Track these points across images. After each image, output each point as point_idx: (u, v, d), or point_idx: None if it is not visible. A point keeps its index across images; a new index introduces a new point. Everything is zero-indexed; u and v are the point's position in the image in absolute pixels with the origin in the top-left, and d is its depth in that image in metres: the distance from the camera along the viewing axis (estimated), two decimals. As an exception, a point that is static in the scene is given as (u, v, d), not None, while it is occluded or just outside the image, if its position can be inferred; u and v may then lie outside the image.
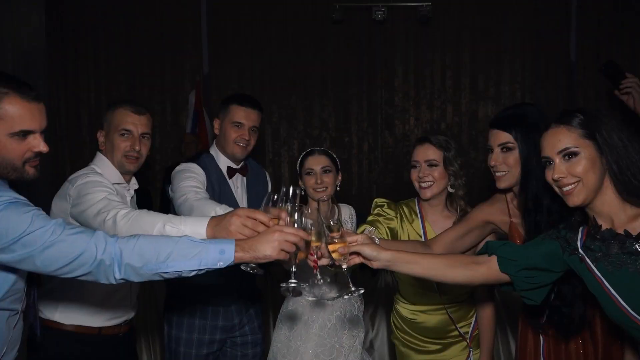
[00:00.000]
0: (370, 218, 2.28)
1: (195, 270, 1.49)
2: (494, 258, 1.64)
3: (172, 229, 1.68)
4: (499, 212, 2.04)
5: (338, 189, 2.45)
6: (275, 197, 1.64)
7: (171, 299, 2.57)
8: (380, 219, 2.26)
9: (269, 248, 1.49)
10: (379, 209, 2.31)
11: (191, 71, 5.86)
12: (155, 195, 5.42)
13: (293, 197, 1.63)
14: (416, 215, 2.29)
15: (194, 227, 1.69)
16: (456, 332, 2.29)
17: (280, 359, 2.42)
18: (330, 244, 1.56)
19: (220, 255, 1.48)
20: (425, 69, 5.84)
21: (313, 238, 1.60)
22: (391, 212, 2.29)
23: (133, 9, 5.80)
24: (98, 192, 1.93)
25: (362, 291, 1.65)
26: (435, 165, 2.19)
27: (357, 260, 1.59)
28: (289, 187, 1.66)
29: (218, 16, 5.81)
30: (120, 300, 2.16)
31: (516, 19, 5.68)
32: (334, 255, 1.56)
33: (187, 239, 1.51)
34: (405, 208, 2.31)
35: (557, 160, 1.49)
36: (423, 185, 2.20)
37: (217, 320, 2.48)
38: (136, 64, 5.83)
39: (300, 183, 2.44)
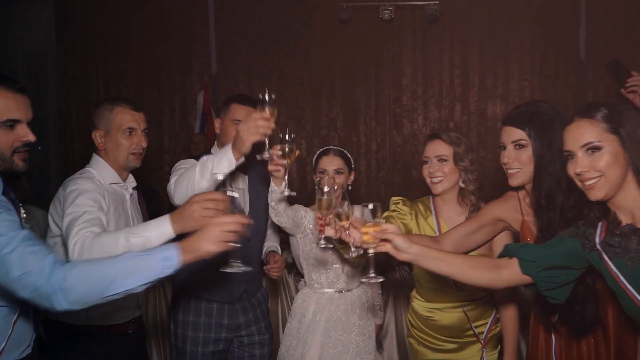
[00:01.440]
0: (385, 214, 2.32)
1: (144, 284, 1.49)
2: (515, 261, 1.62)
3: (137, 238, 1.69)
4: (511, 210, 2.04)
5: (349, 188, 2.49)
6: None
7: (177, 298, 2.59)
8: (394, 214, 2.32)
9: (211, 244, 1.52)
10: (394, 205, 2.37)
11: (200, 72, 5.89)
12: (164, 195, 5.44)
13: (270, 100, 1.89)
14: (430, 211, 2.33)
15: (159, 230, 1.72)
16: (472, 332, 2.29)
17: (291, 351, 2.49)
18: (364, 226, 1.56)
19: (166, 262, 1.49)
20: (433, 67, 5.82)
21: (324, 203, 1.72)
22: (405, 209, 2.34)
23: (142, 11, 5.82)
24: (76, 209, 1.93)
25: (381, 279, 1.65)
26: (445, 161, 2.24)
27: (386, 247, 1.57)
28: (265, 93, 1.90)
29: (226, 17, 5.83)
30: (125, 298, 2.17)
31: (525, 17, 5.64)
32: (365, 237, 1.56)
33: (129, 255, 1.51)
34: (420, 205, 2.36)
35: (580, 154, 1.48)
36: (434, 180, 2.25)
37: (222, 319, 2.50)
38: (145, 65, 5.87)
39: (314, 177, 2.56)
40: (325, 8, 5.67)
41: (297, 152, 2.04)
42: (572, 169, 1.50)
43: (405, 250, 1.57)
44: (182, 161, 2.44)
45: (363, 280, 1.68)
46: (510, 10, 5.65)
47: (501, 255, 1.71)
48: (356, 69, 5.84)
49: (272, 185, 2.22)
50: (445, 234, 2.12)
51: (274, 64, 5.85)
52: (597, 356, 1.84)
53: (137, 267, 1.48)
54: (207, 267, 2.51)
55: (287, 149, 2.02)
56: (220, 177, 1.74)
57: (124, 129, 2.14)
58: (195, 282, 2.50)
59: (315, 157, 2.57)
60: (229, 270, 1.69)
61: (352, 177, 2.51)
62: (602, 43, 5.54)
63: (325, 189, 1.75)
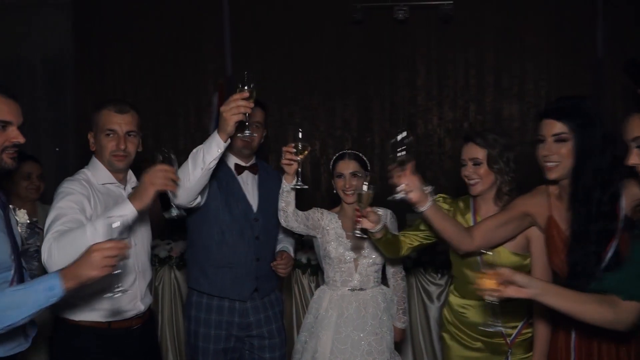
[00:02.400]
0: None
1: (28, 315, 1.52)
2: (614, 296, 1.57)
3: (103, 222, 1.73)
4: (539, 205, 2.05)
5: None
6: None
7: (190, 295, 2.67)
8: None
9: (92, 270, 1.53)
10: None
11: (215, 73, 5.92)
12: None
13: (248, 82, 2.10)
14: (469, 209, 2.38)
15: (122, 209, 1.89)
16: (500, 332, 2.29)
17: (306, 345, 2.59)
18: (483, 278, 1.57)
19: (50, 292, 1.52)
20: (448, 67, 5.79)
21: (364, 197, 2.12)
22: (445, 206, 2.40)
23: (157, 14, 5.89)
24: (57, 211, 1.99)
25: (499, 327, 1.71)
26: (479, 164, 2.28)
27: (509, 290, 1.54)
28: (245, 75, 2.11)
29: (240, 19, 5.86)
30: (125, 296, 2.18)
31: (540, 15, 5.59)
32: (487, 284, 1.56)
33: (11, 290, 1.54)
34: (461, 203, 2.42)
35: (632, 147, 1.56)
36: (471, 182, 2.31)
37: (233, 317, 2.58)
38: (160, 67, 5.92)
39: (332, 182, 2.68)
40: (339, 9, 5.67)
41: (309, 149, 2.25)
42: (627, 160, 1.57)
43: (528, 285, 1.54)
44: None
45: (486, 329, 1.71)
46: (526, 9, 5.60)
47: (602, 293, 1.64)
48: (370, 70, 5.83)
49: (283, 182, 2.30)
50: (477, 226, 2.16)
51: (288, 64, 5.86)
52: (617, 352, 1.83)
53: (21, 300, 1.50)
54: (218, 266, 2.58)
55: (300, 146, 2.20)
56: (115, 224, 1.68)
57: (105, 130, 2.20)
58: (207, 279, 2.55)
59: (332, 162, 2.68)
60: (110, 295, 1.73)
61: (368, 179, 2.55)
62: (620, 41, 5.46)
63: (364, 185, 2.09)
